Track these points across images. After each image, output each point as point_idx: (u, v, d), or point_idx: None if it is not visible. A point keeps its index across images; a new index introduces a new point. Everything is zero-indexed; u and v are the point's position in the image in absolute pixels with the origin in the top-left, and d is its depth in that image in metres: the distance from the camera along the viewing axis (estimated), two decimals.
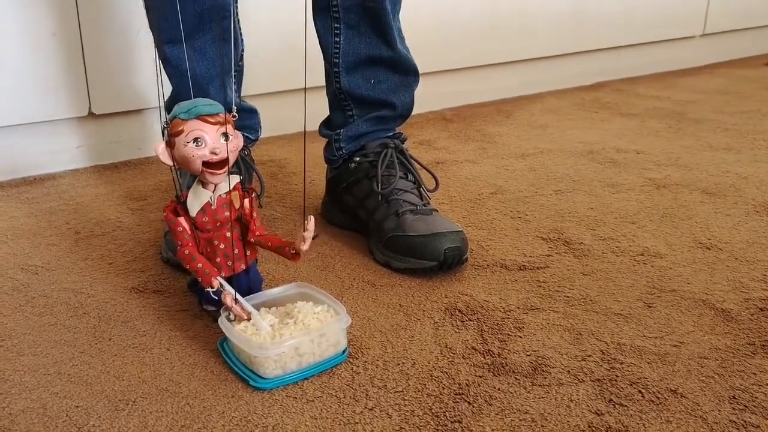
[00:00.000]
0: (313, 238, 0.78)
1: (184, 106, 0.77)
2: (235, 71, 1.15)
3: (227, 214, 0.80)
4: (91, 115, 1.41)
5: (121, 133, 1.46)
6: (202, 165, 0.77)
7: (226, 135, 0.77)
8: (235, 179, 0.81)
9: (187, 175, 0.98)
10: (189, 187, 0.81)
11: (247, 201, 0.82)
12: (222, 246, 0.81)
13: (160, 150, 0.77)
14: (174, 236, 0.81)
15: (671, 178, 1.34)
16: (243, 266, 0.83)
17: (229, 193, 0.80)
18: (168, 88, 1.11)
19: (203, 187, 0.79)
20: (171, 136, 0.76)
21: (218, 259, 0.81)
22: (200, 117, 0.76)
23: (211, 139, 0.76)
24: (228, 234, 0.81)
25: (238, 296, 0.78)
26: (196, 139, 0.75)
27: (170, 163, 0.78)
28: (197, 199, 0.79)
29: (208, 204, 0.79)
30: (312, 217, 0.78)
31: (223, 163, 0.78)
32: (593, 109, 1.86)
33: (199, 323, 0.86)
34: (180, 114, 0.76)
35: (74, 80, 1.37)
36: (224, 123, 0.76)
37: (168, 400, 0.72)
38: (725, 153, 1.48)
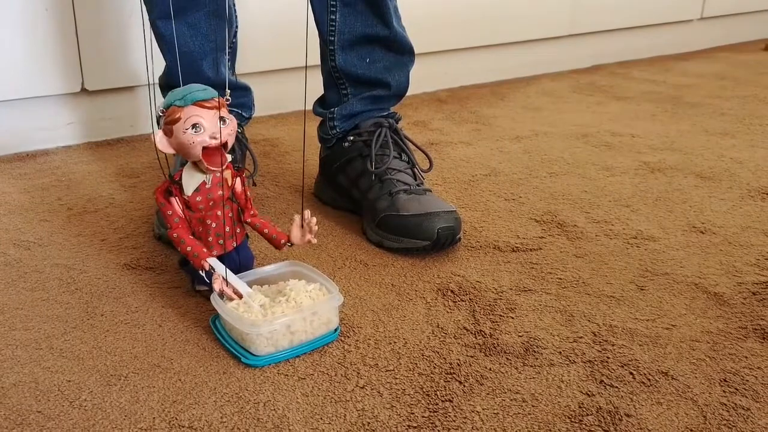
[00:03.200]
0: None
1: (179, 92, 0.76)
2: (229, 48, 1.15)
3: (221, 193, 0.80)
4: (84, 91, 1.40)
5: (114, 109, 1.45)
6: (202, 150, 0.76)
7: (222, 119, 0.76)
8: (227, 158, 0.81)
9: None
10: (184, 164, 0.81)
11: (238, 180, 0.82)
12: (214, 225, 0.81)
13: (158, 139, 0.77)
14: (164, 220, 0.80)
15: (666, 162, 1.34)
16: (234, 244, 0.83)
17: (221, 171, 0.80)
18: (159, 67, 1.10)
19: (198, 167, 0.79)
20: (168, 123, 0.76)
21: (210, 239, 0.81)
22: (197, 103, 0.75)
23: (209, 124, 0.75)
24: (219, 213, 0.81)
25: (230, 276, 0.78)
26: (194, 125, 0.75)
27: (170, 151, 0.78)
28: (192, 179, 0.79)
29: (203, 183, 0.79)
30: (308, 210, 0.80)
31: (222, 154, 0.77)
32: (589, 92, 1.86)
33: (191, 300, 0.86)
34: (176, 101, 0.76)
35: (67, 56, 1.35)
36: (220, 107, 0.76)
37: (160, 376, 0.72)
38: (721, 137, 1.48)
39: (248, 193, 0.83)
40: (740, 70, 2.10)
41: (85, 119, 1.43)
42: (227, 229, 0.82)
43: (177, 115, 0.75)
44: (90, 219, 1.08)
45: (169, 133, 0.77)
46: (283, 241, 0.82)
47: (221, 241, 0.82)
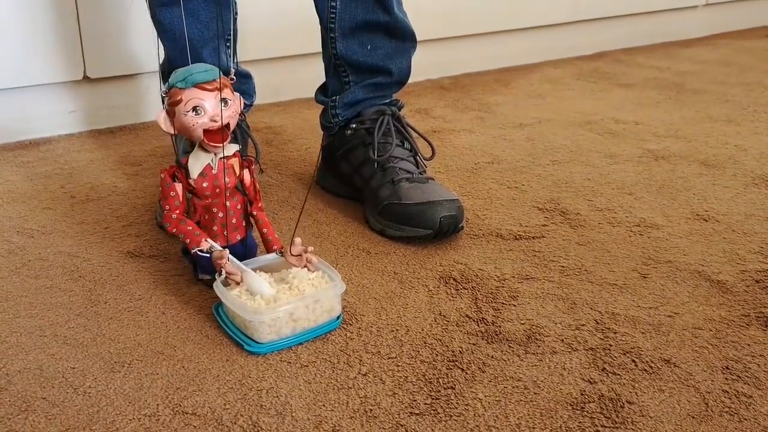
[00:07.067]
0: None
1: (181, 74, 0.76)
2: (229, 35, 1.14)
3: (227, 180, 0.80)
4: (86, 79, 1.40)
5: (117, 97, 1.45)
6: (203, 133, 0.76)
7: (224, 101, 0.76)
8: (234, 148, 0.81)
9: (183, 138, 0.97)
10: (186, 152, 0.81)
11: (247, 172, 0.82)
12: (221, 214, 0.81)
13: (161, 119, 0.77)
14: (164, 200, 0.80)
15: (670, 150, 1.33)
16: (239, 237, 0.83)
17: (229, 158, 0.80)
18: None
19: (204, 151, 0.79)
20: (170, 105, 0.76)
21: (215, 228, 0.81)
22: (197, 85, 0.75)
23: (210, 106, 0.76)
24: (226, 203, 0.81)
25: (231, 257, 0.78)
26: (195, 108, 0.75)
27: (171, 131, 0.78)
28: (198, 161, 0.79)
29: (209, 167, 0.79)
30: (298, 238, 0.80)
31: (224, 131, 0.77)
32: (592, 79, 1.85)
33: (194, 288, 0.86)
34: (177, 83, 0.76)
35: (69, 43, 1.35)
36: (221, 89, 0.76)
37: (163, 363, 0.73)
38: (725, 125, 1.48)
39: (257, 185, 0.83)
40: (744, 56, 2.09)
41: (88, 107, 1.43)
42: (234, 221, 0.82)
43: (178, 97, 0.76)
44: (93, 207, 1.09)
45: (171, 114, 0.77)
46: (275, 247, 0.83)
47: (226, 232, 0.82)
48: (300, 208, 1.09)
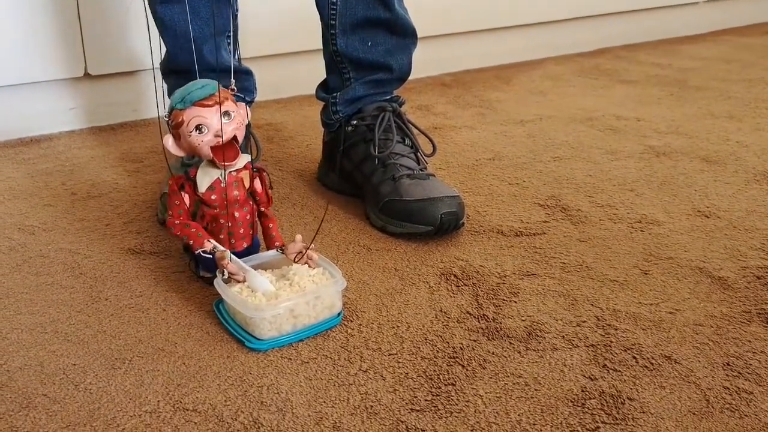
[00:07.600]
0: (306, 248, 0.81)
1: (179, 94, 0.75)
2: (230, 32, 1.14)
3: (236, 193, 0.79)
4: (87, 75, 1.40)
5: (118, 94, 1.45)
6: (211, 150, 0.76)
7: (227, 113, 0.75)
8: (245, 159, 0.80)
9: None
10: (183, 164, 0.81)
11: (258, 181, 0.81)
12: (229, 224, 0.80)
13: (169, 144, 0.77)
14: (169, 207, 0.80)
15: (671, 146, 1.33)
16: (245, 245, 0.83)
17: (239, 171, 0.79)
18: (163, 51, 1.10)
19: (213, 165, 0.78)
20: (174, 128, 0.76)
21: (221, 236, 0.81)
22: (197, 103, 0.74)
23: (213, 122, 0.75)
24: (236, 214, 0.80)
25: (233, 257, 0.78)
26: (198, 127, 0.75)
27: (181, 154, 0.78)
28: (207, 176, 0.79)
29: (218, 181, 0.78)
30: (299, 235, 0.80)
31: (233, 149, 0.77)
32: (593, 75, 1.85)
33: (194, 285, 0.86)
34: (176, 104, 0.75)
35: (70, 40, 1.35)
36: (221, 102, 0.75)
37: (164, 360, 0.73)
38: (727, 121, 1.47)
39: (269, 193, 0.83)
40: (746, 52, 2.09)
41: (88, 104, 1.43)
42: (241, 231, 0.81)
43: (180, 119, 0.75)
44: (94, 204, 1.09)
45: (177, 136, 0.76)
46: (277, 243, 0.83)
47: (233, 241, 0.82)
48: (300, 205, 1.09)
